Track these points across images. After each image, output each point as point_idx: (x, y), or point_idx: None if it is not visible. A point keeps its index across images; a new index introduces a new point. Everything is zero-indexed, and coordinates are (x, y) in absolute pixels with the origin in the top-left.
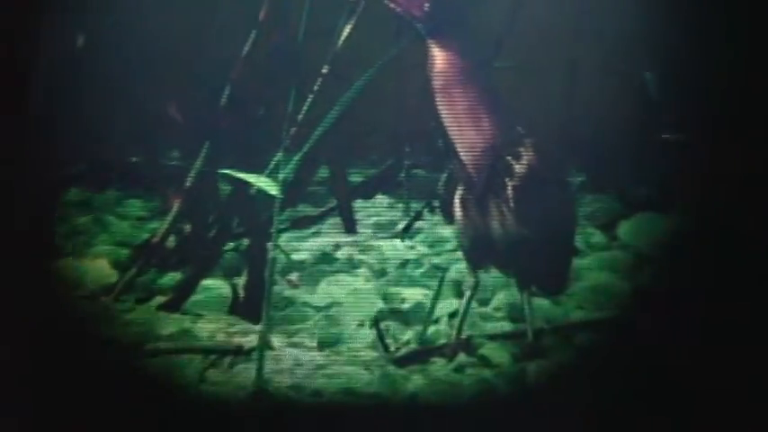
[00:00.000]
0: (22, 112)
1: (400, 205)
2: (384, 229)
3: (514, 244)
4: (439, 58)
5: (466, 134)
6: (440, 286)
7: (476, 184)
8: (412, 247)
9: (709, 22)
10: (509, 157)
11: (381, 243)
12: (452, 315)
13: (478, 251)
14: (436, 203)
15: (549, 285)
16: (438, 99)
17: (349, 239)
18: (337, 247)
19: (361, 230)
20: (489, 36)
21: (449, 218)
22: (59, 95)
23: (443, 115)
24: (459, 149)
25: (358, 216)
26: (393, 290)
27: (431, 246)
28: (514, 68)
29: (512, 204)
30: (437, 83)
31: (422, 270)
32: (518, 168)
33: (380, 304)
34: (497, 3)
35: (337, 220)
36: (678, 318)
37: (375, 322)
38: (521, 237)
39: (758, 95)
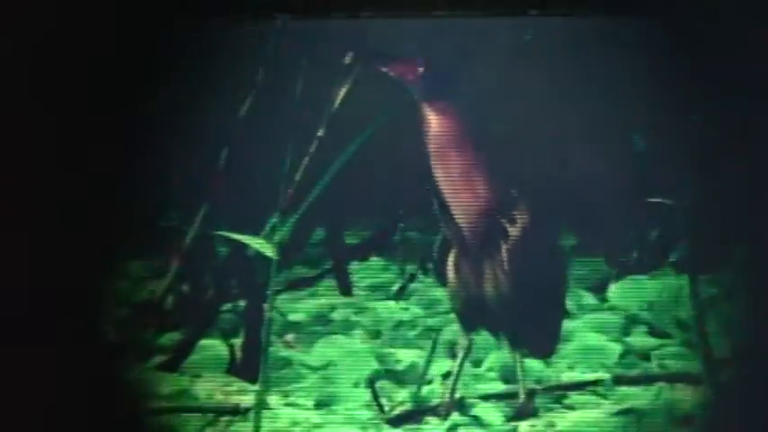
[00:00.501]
0: None
1: (395, 267)
2: (379, 290)
3: (506, 306)
4: (433, 121)
5: (461, 197)
6: (433, 347)
7: (470, 247)
8: (406, 309)
9: (697, 83)
10: (503, 220)
11: (376, 304)
12: (446, 375)
13: (471, 313)
14: (430, 265)
15: (540, 348)
16: (433, 162)
17: (344, 301)
18: (333, 308)
19: (356, 292)
20: (483, 100)
21: (442, 280)
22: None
23: (438, 178)
24: (453, 212)
25: (353, 277)
26: (387, 350)
27: (425, 307)
28: (508, 131)
29: (506, 267)
30: (432, 146)
31: (416, 331)
32: (512, 231)
33: (375, 365)
34: (491, 67)
35: (333, 281)
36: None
37: (370, 382)
38: (513, 299)
39: (744, 157)
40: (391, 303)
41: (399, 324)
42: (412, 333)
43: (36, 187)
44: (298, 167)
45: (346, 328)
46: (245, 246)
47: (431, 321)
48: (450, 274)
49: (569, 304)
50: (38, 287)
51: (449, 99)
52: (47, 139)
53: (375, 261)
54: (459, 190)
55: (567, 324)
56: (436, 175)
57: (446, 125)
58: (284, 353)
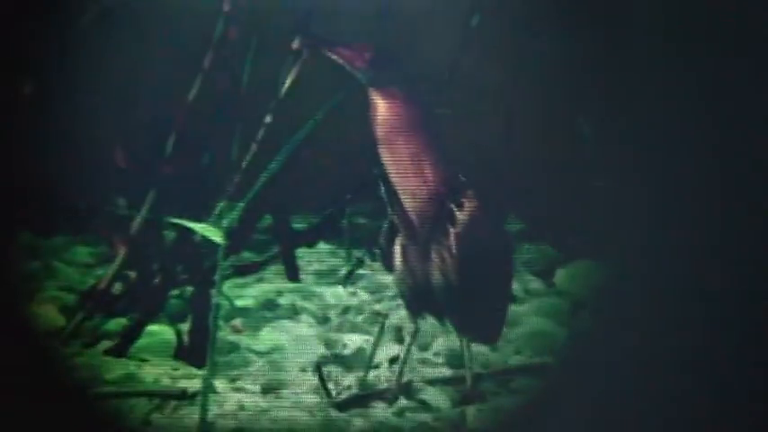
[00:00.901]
0: None
1: (342, 252)
2: (326, 276)
3: (453, 291)
4: (381, 106)
5: (409, 182)
6: (380, 332)
7: (417, 232)
8: (353, 294)
9: (643, 71)
10: (451, 205)
11: (323, 290)
12: (393, 360)
13: (417, 299)
14: (377, 251)
15: (486, 333)
16: (381, 147)
17: (292, 286)
18: (280, 293)
19: (303, 277)
20: (431, 85)
21: (389, 266)
22: (8, 139)
23: (386, 163)
24: (401, 197)
25: (300, 263)
26: (335, 336)
27: (372, 292)
28: (455, 116)
29: (453, 252)
30: (380, 131)
31: (363, 316)
32: (460, 216)
33: (322, 350)
34: (439, 52)
35: (280, 267)
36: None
37: (317, 367)
38: (459, 284)
39: (690, 143)
40: (338, 288)
41: (346, 309)
42: (359, 318)
43: None
44: (245, 153)
45: (293, 313)
46: (192, 231)
47: (378, 306)
48: (397, 259)
49: (516, 289)
50: None
51: (396, 84)
52: None
53: (322, 247)
54: (406, 175)
55: (514, 309)
56: (384, 160)
57: (394, 111)
58: (231, 338)
